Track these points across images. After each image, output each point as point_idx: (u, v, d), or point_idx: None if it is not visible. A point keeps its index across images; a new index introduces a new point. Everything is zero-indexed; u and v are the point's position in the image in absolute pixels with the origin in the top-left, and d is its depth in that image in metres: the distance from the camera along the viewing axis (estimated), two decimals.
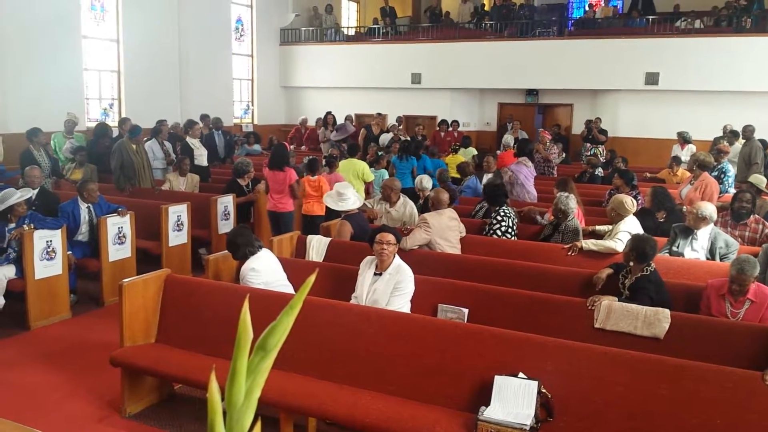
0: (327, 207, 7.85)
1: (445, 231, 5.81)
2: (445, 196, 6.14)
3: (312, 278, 0.76)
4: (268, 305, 3.01)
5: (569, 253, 5.64)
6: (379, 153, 10.41)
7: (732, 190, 8.32)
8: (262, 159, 11.57)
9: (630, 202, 5.77)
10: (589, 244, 5.64)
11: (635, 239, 4.64)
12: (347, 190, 6.29)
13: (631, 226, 5.61)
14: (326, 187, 7.81)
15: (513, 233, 6.43)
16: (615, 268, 4.84)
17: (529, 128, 15.51)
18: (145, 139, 9.88)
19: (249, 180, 8.52)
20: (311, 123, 15.13)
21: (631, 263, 4.60)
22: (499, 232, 6.35)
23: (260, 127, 17.01)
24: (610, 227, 6.02)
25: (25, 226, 5.88)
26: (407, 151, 9.95)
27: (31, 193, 6.43)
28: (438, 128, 14.20)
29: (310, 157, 8.70)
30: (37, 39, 11.30)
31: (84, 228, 6.76)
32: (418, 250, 5.65)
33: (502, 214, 6.43)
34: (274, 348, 0.74)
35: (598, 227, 6.33)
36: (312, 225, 7.70)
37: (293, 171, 7.76)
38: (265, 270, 4.81)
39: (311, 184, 7.94)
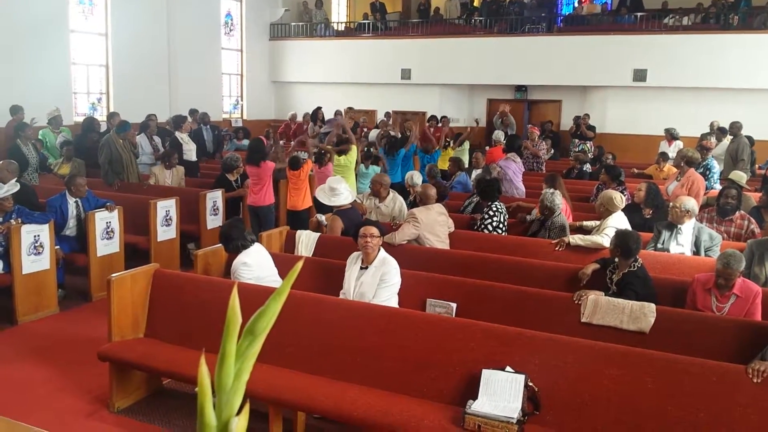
0: (313, 201, 7.90)
1: (434, 226, 5.83)
2: (432, 192, 6.17)
3: (299, 265, 0.78)
4: (257, 299, 3.03)
5: (557, 248, 5.68)
6: (369, 149, 10.42)
7: (717, 186, 8.40)
8: None
9: (619, 198, 5.82)
10: (577, 239, 5.68)
11: (619, 235, 4.68)
12: (340, 184, 6.27)
13: (618, 222, 5.66)
14: (305, 183, 7.90)
15: (504, 229, 6.46)
16: (602, 264, 4.88)
17: (518, 124, 15.51)
18: (135, 133, 9.84)
19: (238, 175, 8.51)
20: (299, 119, 15.08)
21: (617, 259, 4.65)
22: (490, 227, 6.36)
23: (249, 122, 16.96)
24: (598, 223, 6.07)
25: (12, 220, 5.85)
26: (395, 148, 9.97)
27: (17, 187, 6.40)
28: (427, 124, 14.20)
29: (294, 154, 8.70)
30: (25, 33, 11.22)
31: (72, 223, 6.73)
32: (407, 245, 5.67)
33: (495, 209, 6.44)
34: (262, 333, 0.76)
35: (585, 223, 6.38)
36: (296, 219, 7.74)
37: (270, 163, 7.76)
38: (256, 265, 4.81)
39: (292, 178, 7.97)
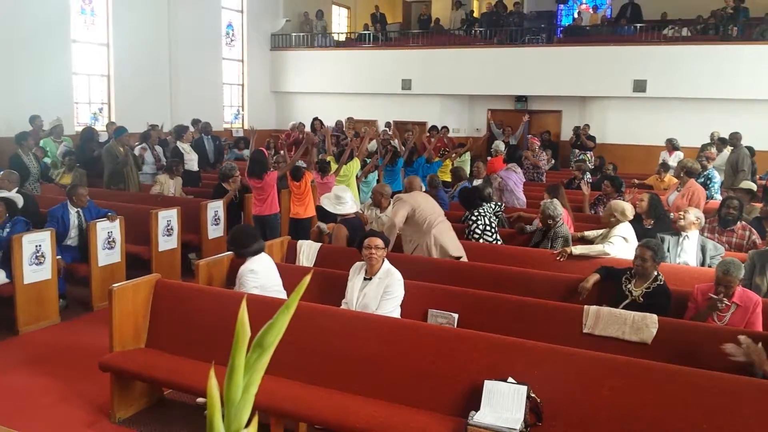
0: (316, 210, 7.91)
1: (427, 206, 5.84)
2: (417, 182, 6.50)
3: (307, 278, 0.79)
4: (262, 311, 3.01)
5: (558, 258, 5.67)
6: (367, 160, 10.46)
7: (717, 196, 8.44)
8: None
9: (630, 209, 5.87)
10: (580, 249, 5.69)
11: (659, 247, 4.66)
12: (345, 193, 6.27)
13: (625, 232, 5.70)
14: (308, 192, 7.92)
15: (492, 230, 6.44)
16: (604, 274, 4.86)
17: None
18: (136, 144, 9.88)
19: (235, 185, 8.46)
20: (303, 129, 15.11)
21: (655, 272, 4.58)
22: (478, 231, 6.36)
23: (250, 132, 16.99)
24: (600, 232, 6.10)
25: None
26: (394, 158, 10.01)
27: (14, 194, 6.43)
28: (428, 134, 14.25)
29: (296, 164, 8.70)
30: (27, 43, 11.27)
31: (73, 233, 6.74)
32: (409, 256, 5.68)
33: (477, 213, 6.47)
34: (270, 345, 0.76)
35: (587, 233, 6.38)
36: (299, 227, 7.75)
37: (273, 173, 7.72)
38: (263, 273, 4.81)
39: (295, 189, 7.98)
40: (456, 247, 5.79)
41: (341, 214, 6.22)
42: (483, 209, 6.55)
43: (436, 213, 5.87)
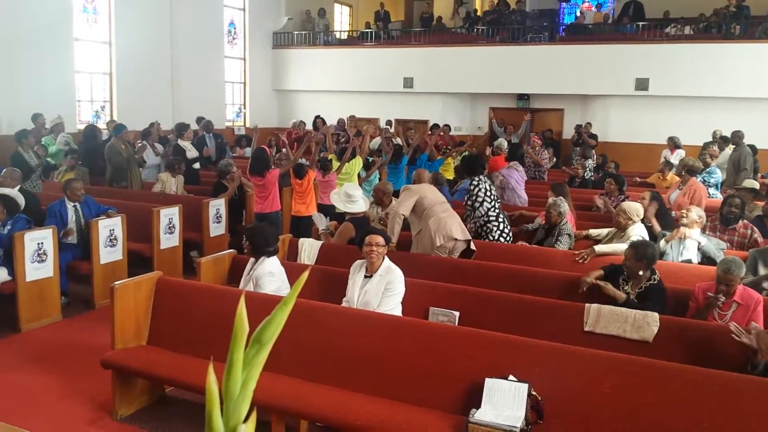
0: (318, 210, 7.90)
1: (431, 195, 5.78)
2: (425, 175, 6.50)
3: (305, 275, 0.79)
4: (261, 308, 3.01)
5: (579, 260, 5.59)
6: (369, 158, 10.46)
7: (713, 191, 8.46)
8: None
9: (642, 210, 5.89)
10: (604, 248, 5.68)
11: (639, 246, 4.64)
12: (356, 191, 6.22)
13: (642, 231, 5.76)
14: (311, 190, 7.95)
15: (493, 198, 6.37)
16: (608, 271, 4.85)
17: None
18: (139, 142, 9.89)
19: (234, 182, 8.46)
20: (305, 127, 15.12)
21: (642, 272, 4.57)
22: (479, 198, 6.27)
23: (252, 130, 17.01)
24: (604, 231, 6.13)
25: None
26: (398, 156, 10.02)
27: (15, 191, 6.43)
28: (430, 132, 14.25)
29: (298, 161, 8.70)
30: (29, 41, 11.28)
31: (72, 228, 6.73)
32: (410, 254, 5.67)
33: (476, 181, 6.35)
34: (269, 341, 0.76)
35: (592, 231, 6.38)
36: (301, 225, 7.75)
37: (274, 171, 7.71)
38: (278, 275, 4.81)
39: (298, 187, 7.97)
40: (461, 231, 5.66)
41: (351, 213, 6.19)
42: (483, 176, 6.46)
43: (442, 202, 5.83)
